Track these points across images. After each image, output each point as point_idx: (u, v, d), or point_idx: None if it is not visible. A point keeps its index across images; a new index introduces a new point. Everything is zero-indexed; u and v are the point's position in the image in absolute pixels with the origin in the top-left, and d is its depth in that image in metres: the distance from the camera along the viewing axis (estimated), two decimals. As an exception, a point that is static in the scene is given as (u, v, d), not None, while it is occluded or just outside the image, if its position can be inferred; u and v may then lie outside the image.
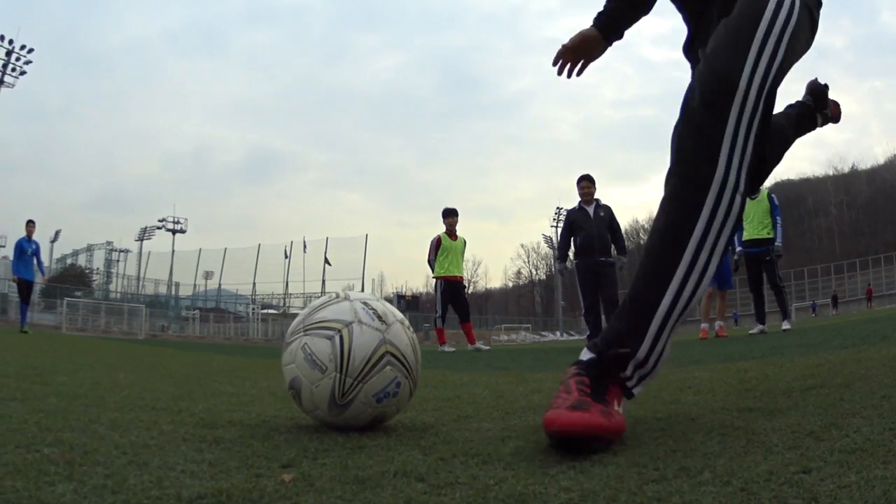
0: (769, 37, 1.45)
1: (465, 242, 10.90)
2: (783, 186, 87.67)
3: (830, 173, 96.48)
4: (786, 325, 9.52)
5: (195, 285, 52.60)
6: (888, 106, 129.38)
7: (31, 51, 36.59)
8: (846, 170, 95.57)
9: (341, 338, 1.48)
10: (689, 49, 1.88)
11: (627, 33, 2.12)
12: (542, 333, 50.70)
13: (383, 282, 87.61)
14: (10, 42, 35.94)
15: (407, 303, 38.46)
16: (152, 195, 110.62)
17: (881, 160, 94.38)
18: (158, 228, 57.60)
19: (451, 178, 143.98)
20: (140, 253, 58.30)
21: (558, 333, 50.00)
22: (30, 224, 14.12)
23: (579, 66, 2.18)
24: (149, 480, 0.99)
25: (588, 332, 8.81)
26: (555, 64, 2.18)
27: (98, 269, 60.51)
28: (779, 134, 2.13)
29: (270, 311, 47.06)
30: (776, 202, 9.80)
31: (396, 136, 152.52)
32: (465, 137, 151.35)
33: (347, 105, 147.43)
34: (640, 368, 1.38)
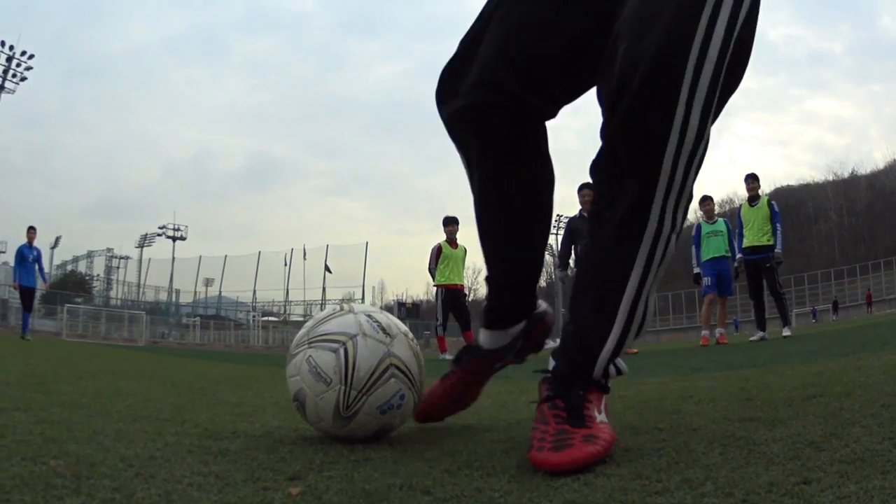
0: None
1: (465, 250, 10.92)
2: (783, 192, 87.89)
3: (830, 178, 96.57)
4: (786, 332, 9.52)
5: (195, 292, 52.70)
6: (887, 110, 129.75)
7: (31, 57, 36.61)
8: (846, 175, 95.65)
9: (346, 350, 1.48)
10: None
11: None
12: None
13: (384, 289, 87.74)
14: (11, 48, 35.98)
15: (407, 310, 38.42)
16: (152, 202, 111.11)
17: (881, 165, 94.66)
18: (159, 235, 57.70)
19: (451, 185, 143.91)
20: (140, 260, 58.42)
21: (558, 341, 49.80)
22: (31, 230, 14.08)
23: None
24: (157, 494, 0.99)
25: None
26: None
27: (98, 275, 60.58)
28: None
29: (271, 318, 47.09)
30: (776, 209, 9.82)
31: (396, 143, 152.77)
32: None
33: (347, 112, 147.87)
34: (610, 360, 1.36)
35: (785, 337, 9.04)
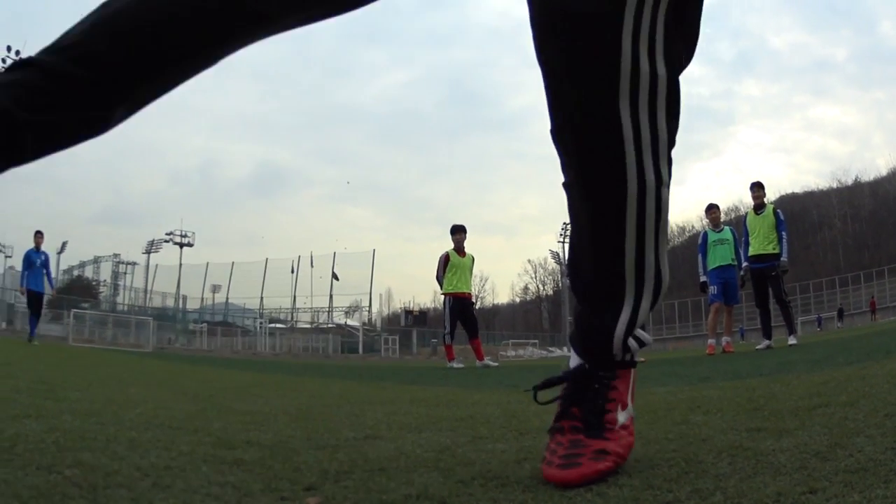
0: None
1: (473, 259, 10.95)
2: (787, 200, 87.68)
3: (834, 186, 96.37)
4: (792, 340, 9.50)
5: (202, 298, 52.86)
6: (891, 117, 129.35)
7: (38, 64, 36.74)
8: (850, 182, 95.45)
9: None
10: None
11: None
12: (550, 349, 50.51)
13: (391, 297, 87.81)
14: (17, 53, 36.17)
15: (415, 318, 38.45)
16: (159, 209, 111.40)
17: (884, 172, 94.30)
18: (166, 242, 57.94)
19: (457, 193, 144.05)
20: (147, 266, 58.66)
21: (566, 349, 49.83)
22: (38, 235, 14.09)
23: None
24: (176, 504, 1.00)
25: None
26: None
27: (105, 281, 60.83)
28: None
29: (278, 325, 47.11)
30: (782, 217, 9.83)
31: (403, 151, 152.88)
32: (471, 152, 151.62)
33: (354, 120, 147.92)
34: (627, 331, 1.26)
35: (791, 345, 9.03)
